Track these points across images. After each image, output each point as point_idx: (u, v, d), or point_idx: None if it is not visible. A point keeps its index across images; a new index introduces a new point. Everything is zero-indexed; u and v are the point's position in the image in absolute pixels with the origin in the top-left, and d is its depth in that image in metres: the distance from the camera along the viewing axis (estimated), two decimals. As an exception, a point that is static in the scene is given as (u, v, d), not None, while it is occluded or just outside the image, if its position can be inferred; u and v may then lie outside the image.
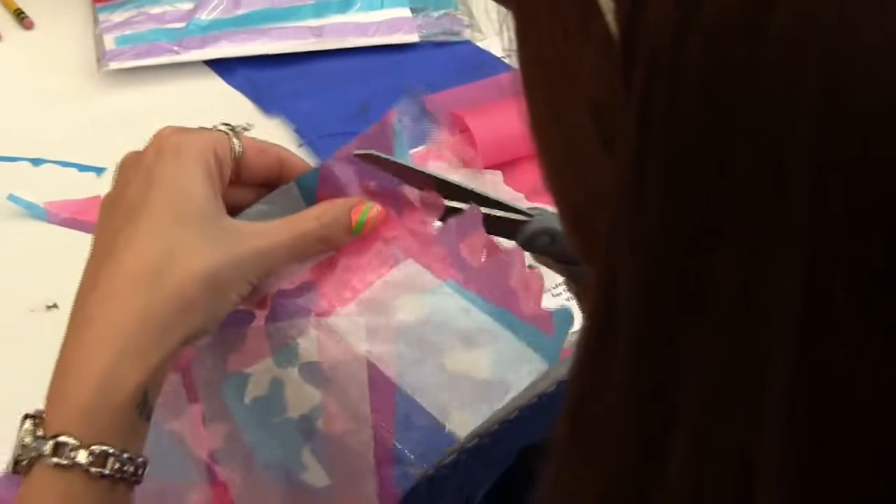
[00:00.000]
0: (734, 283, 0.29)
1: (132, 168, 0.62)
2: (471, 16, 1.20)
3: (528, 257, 0.64)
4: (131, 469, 0.57)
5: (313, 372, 0.60)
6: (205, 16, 1.17)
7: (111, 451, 0.55)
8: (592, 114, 0.34)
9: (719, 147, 0.28)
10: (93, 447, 0.55)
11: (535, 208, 0.63)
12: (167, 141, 0.61)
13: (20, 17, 1.19)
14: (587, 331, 0.34)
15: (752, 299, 0.28)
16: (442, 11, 1.19)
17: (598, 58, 0.32)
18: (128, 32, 1.16)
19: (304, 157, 1.02)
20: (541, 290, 0.63)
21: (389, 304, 0.62)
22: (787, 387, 0.28)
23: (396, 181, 0.64)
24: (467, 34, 1.18)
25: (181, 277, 0.57)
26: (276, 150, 0.66)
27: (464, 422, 0.59)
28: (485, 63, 1.13)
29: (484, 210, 0.63)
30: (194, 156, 0.60)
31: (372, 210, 0.62)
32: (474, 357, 0.61)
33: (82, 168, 1.04)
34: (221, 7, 1.17)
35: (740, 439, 0.29)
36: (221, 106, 1.12)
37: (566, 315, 0.62)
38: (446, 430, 0.59)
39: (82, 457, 0.55)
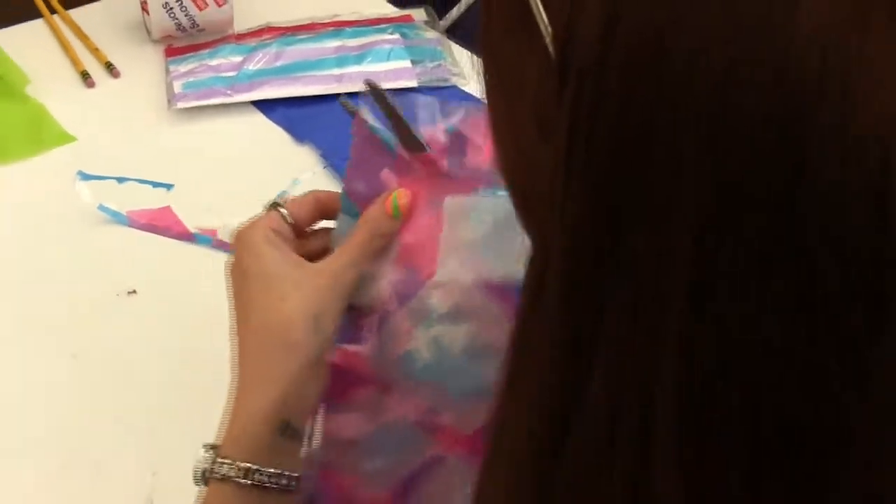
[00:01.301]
0: (641, 242, 0.29)
1: (231, 268, 0.64)
2: (457, 66, 1.20)
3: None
4: (283, 482, 0.58)
5: (453, 315, 0.59)
6: (251, 67, 1.16)
7: (254, 467, 0.57)
8: (536, 118, 0.34)
9: (630, 147, 0.28)
10: (239, 464, 0.57)
11: None
12: (240, 242, 0.63)
13: (110, 68, 1.19)
14: (526, 286, 0.34)
15: (652, 261, 0.29)
16: (435, 63, 1.19)
17: (540, 74, 0.32)
18: (191, 79, 1.15)
19: (328, 176, 1.04)
20: None
21: (459, 237, 0.59)
22: (680, 331, 0.28)
23: (396, 152, 0.62)
24: (454, 80, 1.18)
25: (283, 325, 0.59)
26: (309, 196, 0.66)
27: None
28: (468, 102, 1.13)
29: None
30: (260, 240, 0.61)
31: (400, 196, 0.61)
32: None
33: (156, 184, 1.04)
34: (264, 60, 1.17)
35: (644, 373, 0.29)
36: (263, 136, 1.12)
37: None
38: None
39: (232, 472, 0.57)
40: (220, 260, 0.94)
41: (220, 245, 0.97)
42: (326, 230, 0.66)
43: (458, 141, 0.60)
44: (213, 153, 1.09)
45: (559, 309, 0.32)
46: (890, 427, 0.27)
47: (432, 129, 0.63)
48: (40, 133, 1.10)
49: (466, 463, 0.62)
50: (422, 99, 0.64)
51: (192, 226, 1.00)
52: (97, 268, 0.96)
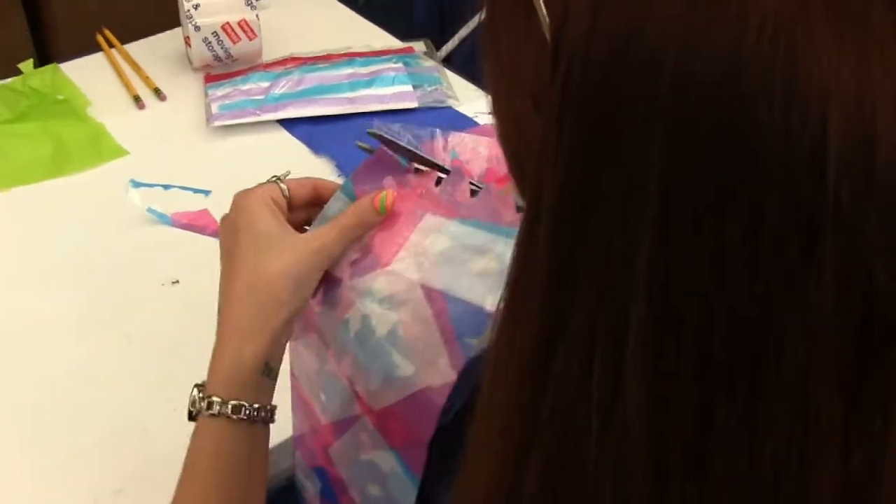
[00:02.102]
0: (617, 193, 0.29)
1: (225, 226, 0.61)
2: (451, 90, 1.20)
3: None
4: (263, 414, 0.57)
5: (387, 301, 0.58)
6: (277, 91, 1.16)
7: (244, 404, 0.57)
8: (531, 95, 0.34)
9: (609, 116, 0.29)
10: (231, 402, 0.56)
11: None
12: (238, 203, 0.61)
13: (158, 93, 1.19)
14: (521, 234, 0.34)
15: (627, 204, 0.29)
16: (433, 87, 1.19)
17: (536, 56, 0.32)
18: (226, 102, 1.15)
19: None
20: (514, 204, 0.59)
21: (424, 245, 0.59)
22: (649, 263, 0.29)
23: (405, 168, 0.61)
24: (450, 102, 1.18)
25: (270, 284, 0.57)
26: (310, 181, 0.64)
27: (493, 301, 0.56)
28: (461, 120, 1.14)
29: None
30: (258, 204, 0.59)
31: (388, 196, 0.60)
32: (485, 259, 0.57)
33: (196, 191, 1.04)
34: (288, 85, 1.17)
35: (619, 299, 0.29)
36: (287, 150, 1.12)
37: None
38: (485, 310, 0.56)
39: (224, 408, 0.56)
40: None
41: (250, 242, 0.97)
42: (312, 207, 0.65)
43: (456, 175, 0.60)
44: (245, 164, 1.09)
45: (549, 248, 0.32)
46: (817, 345, 0.28)
47: (432, 144, 0.63)
48: (99, 148, 1.11)
49: (373, 431, 0.61)
50: (427, 129, 0.65)
51: (226, 226, 0.99)
52: (146, 261, 0.96)
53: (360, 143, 0.65)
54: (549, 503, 0.32)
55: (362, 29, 1.33)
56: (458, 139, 0.65)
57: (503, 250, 0.58)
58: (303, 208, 0.64)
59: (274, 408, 0.59)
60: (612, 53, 0.28)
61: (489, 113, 0.38)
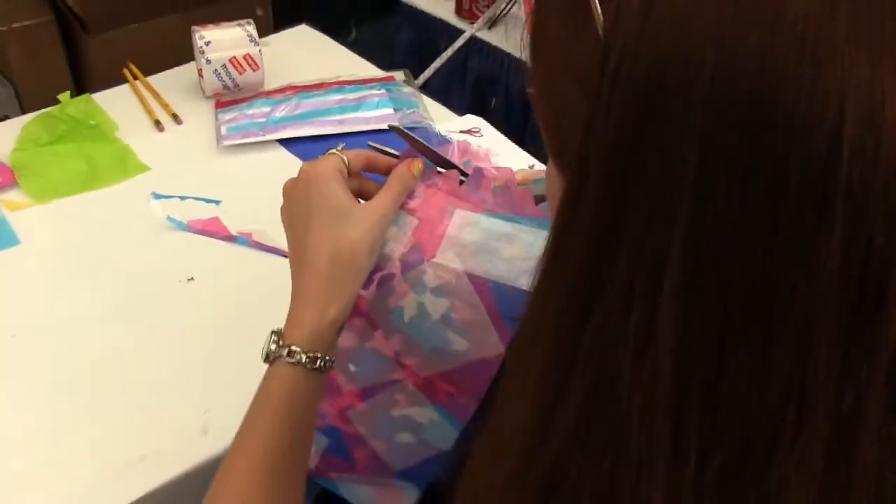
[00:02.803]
0: (658, 170, 0.29)
1: (296, 194, 0.58)
2: (427, 112, 1.21)
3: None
4: (330, 364, 0.56)
5: (438, 290, 0.58)
6: (277, 114, 1.17)
7: (319, 355, 0.55)
8: (578, 83, 0.34)
9: (654, 102, 0.29)
10: (309, 353, 0.55)
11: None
12: (309, 174, 0.58)
13: (175, 118, 1.19)
14: (564, 197, 0.32)
15: (667, 179, 0.29)
16: (411, 110, 1.19)
17: (588, 48, 0.32)
18: (234, 125, 1.15)
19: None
20: (532, 198, 0.59)
21: (460, 237, 0.58)
22: (686, 227, 0.29)
23: (428, 168, 0.61)
24: (426, 123, 1.18)
25: (354, 251, 0.56)
26: (363, 152, 0.61)
27: (527, 282, 0.56)
28: (436, 139, 1.14)
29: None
30: (328, 176, 0.57)
31: (419, 164, 0.59)
32: (515, 247, 0.57)
33: (208, 201, 1.05)
34: (287, 109, 1.17)
35: (659, 258, 0.29)
36: (286, 165, 1.12)
37: None
38: (522, 287, 0.56)
39: (303, 358, 0.55)
40: (255, 255, 0.97)
41: (254, 245, 0.98)
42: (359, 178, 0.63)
43: (477, 175, 0.60)
44: (250, 177, 1.10)
45: (594, 213, 0.31)
46: (821, 303, 0.28)
47: (451, 157, 0.64)
48: (125, 165, 1.11)
49: (414, 392, 0.62)
50: (446, 142, 0.65)
51: (234, 230, 1.00)
52: (165, 262, 0.96)
53: (371, 143, 0.64)
54: (582, 433, 0.33)
55: (350, 61, 1.34)
56: (473, 154, 0.65)
57: (529, 238, 0.58)
58: (356, 176, 0.62)
59: (333, 359, 0.58)
60: (659, 49, 0.29)
61: (530, 92, 0.37)
